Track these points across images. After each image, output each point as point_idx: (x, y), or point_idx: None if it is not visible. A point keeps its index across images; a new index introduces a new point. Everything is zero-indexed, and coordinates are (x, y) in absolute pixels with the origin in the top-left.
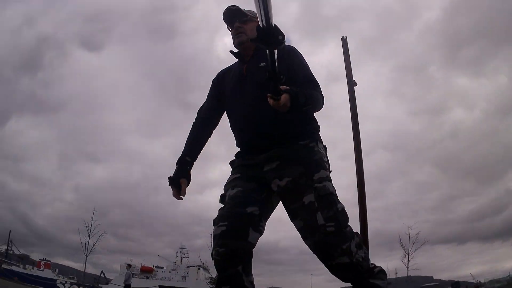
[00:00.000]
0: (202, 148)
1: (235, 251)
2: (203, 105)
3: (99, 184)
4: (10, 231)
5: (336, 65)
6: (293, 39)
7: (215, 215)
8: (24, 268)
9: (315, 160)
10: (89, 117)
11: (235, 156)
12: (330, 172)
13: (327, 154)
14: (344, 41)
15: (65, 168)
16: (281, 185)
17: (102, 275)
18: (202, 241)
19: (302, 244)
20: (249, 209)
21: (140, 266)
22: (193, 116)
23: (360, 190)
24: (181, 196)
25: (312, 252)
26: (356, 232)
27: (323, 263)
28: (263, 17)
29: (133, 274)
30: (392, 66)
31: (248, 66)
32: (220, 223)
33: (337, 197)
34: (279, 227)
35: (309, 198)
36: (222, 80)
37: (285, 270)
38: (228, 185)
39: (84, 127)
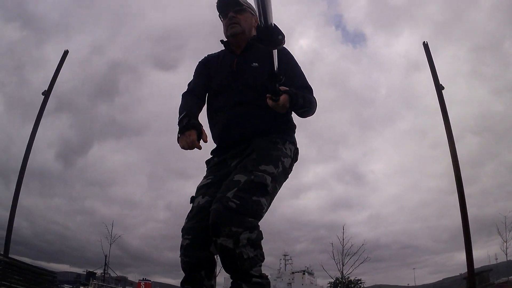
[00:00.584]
0: (198, 110)
1: (198, 260)
2: (192, 80)
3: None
4: (106, 255)
5: (413, 54)
6: (368, 32)
7: (313, 218)
8: None
9: (271, 154)
10: (173, 135)
11: (211, 154)
12: (286, 177)
13: (296, 158)
14: (426, 46)
15: (155, 188)
16: (236, 163)
17: None
18: (304, 246)
19: (403, 239)
20: None
21: None
22: None
23: (458, 182)
24: (201, 143)
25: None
26: (260, 231)
27: (211, 237)
28: (263, 17)
29: None
30: (468, 47)
31: (238, 61)
32: (186, 236)
33: (267, 193)
34: (378, 224)
35: (240, 177)
36: (209, 66)
37: (388, 266)
38: (200, 191)
39: (169, 145)
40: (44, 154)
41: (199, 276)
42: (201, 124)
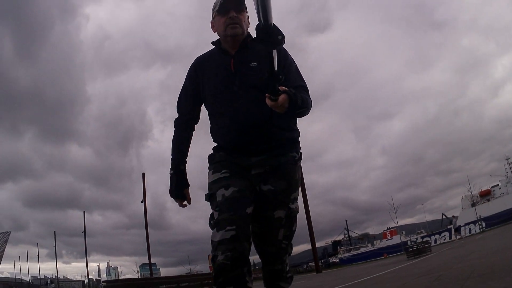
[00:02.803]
0: (188, 149)
1: (243, 253)
2: (180, 99)
3: (402, 136)
4: (346, 220)
5: None
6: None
7: None
8: (373, 245)
9: (296, 180)
10: (359, 85)
11: (214, 150)
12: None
13: (301, 161)
14: None
15: (363, 139)
16: (263, 190)
17: (444, 216)
18: None
19: None
20: (248, 210)
21: (478, 193)
22: None
23: None
24: (187, 204)
25: (258, 254)
26: (292, 244)
27: (263, 267)
28: (262, 16)
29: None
30: None
31: (235, 62)
32: (228, 227)
33: (296, 218)
34: None
35: (279, 213)
36: (201, 71)
37: None
38: (218, 184)
39: (361, 96)
40: None
41: (241, 274)
42: (187, 184)
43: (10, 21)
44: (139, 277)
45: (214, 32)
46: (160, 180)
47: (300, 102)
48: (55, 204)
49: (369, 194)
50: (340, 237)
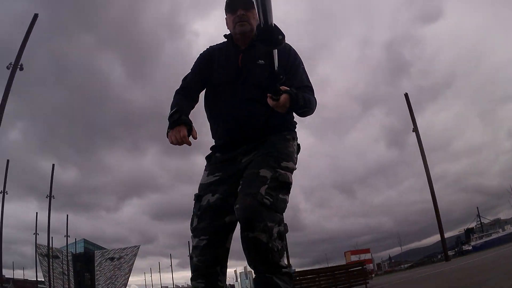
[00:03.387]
0: (189, 112)
1: (215, 257)
2: (188, 74)
3: None
4: (477, 207)
5: None
6: None
7: None
8: (503, 230)
9: (289, 151)
10: (479, 69)
11: (211, 150)
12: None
13: (299, 151)
14: None
15: (489, 123)
16: (248, 159)
17: None
18: None
19: None
20: (227, 219)
21: None
22: None
23: None
24: (188, 139)
25: (238, 218)
26: (286, 224)
27: (241, 233)
28: (263, 17)
29: None
30: None
31: (243, 57)
32: (202, 237)
33: (289, 191)
34: None
35: (265, 173)
36: (210, 59)
37: None
38: (208, 188)
39: (482, 80)
40: (376, 149)
41: (214, 271)
42: (191, 121)
43: (119, 48)
44: None
45: (228, 29)
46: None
47: (302, 102)
48: (183, 215)
49: (500, 178)
50: (473, 225)
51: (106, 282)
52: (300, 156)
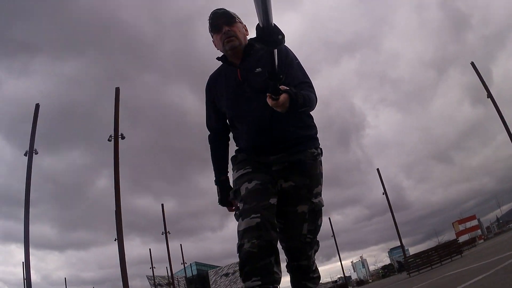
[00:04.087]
0: (227, 159)
1: (270, 242)
2: (207, 118)
3: None
4: None
5: None
6: None
7: None
8: None
9: (317, 174)
10: None
11: (235, 152)
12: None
13: (322, 155)
14: None
15: None
16: (284, 186)
17: None
18: None
19: None
20: (272, 201)
21: None
22: None
23: None
24: (235, 209)
25: (283, 250)
26: (318, 241)
27: (288, 262)
28: (263, 16)
29: None
30: None
31: (241, 71)
32: (253, 215)
33: (322, 212)
34: None
35: (303, 208)
36: (214, 88)
37: None
38: (242, 179)
39: None
40: (462, 110)
41: (268, 264)
42: (228, 188)
43: (183, 76)
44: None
45: (218, 50)
46: (390, 163)
47: (302, 101)
48: None
49: None
50: None
51: None
52: (391, 135)
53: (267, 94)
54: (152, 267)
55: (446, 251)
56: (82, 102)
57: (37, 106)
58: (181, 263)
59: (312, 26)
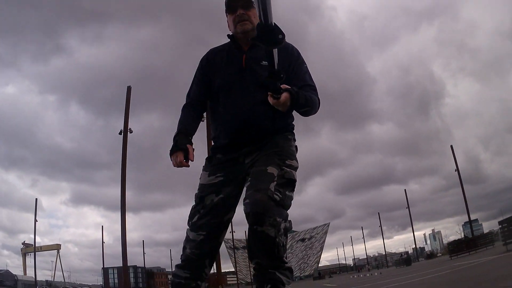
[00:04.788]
0: (195, 128)
1: (208, 251)
2: (191, 88)
3: None
4: None
5: None
6: None
7: None
8: None
9: (292, 150)
10: None
11: (212, 151)
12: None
13: (296, 153)
14: None
15: None
16: (254, 159)
17: None
18: None
19: None
20: (226, 217)
21: None
22: None
23: None
24: (189, 162)
25: (246, 213)
26: (290, 221)
27: (250, 227)
28: (263, 15)
29: None
30: None
31: (247, 58)
32: (200, 232)
33: (293, 188)
34: None
35: (272, 170)
36: (212, 63)
37: None
38: (210, 189)
39: None
40: None
41: (202, 264)
42: (191, 143)
43: None
44: (462, 237)
45: (230, 30)
46: (468, 134)
47: (303, 101)
48: (369, 185)
49: None
50: None
51: (298, 262)
52: (470, 105)
53: (268, 93)
54: (232, 231)
55: None
56: (158, 66)
57: (129, 88)
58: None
59: None
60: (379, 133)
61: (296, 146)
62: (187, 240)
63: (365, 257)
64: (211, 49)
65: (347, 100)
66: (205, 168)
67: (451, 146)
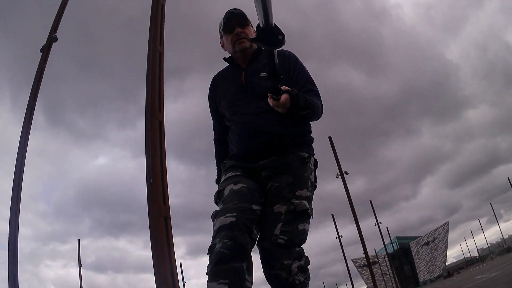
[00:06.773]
0: None
1: (243, 245)
2: (213, 122)
3: None
4: None
5: None
6: None
7: None
8: None
9: (304, 177)
10: None
11: (226, 160)
12: (315, 187)
13: (316, 169)
14: None
15: None
16: (269, 187)
17: None
18: None
19: None
20: (254, 207)
21: None
22: None
23: None
24: None
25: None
26: (306, 257)
27: (263, 269)
28: (263, 17)
29: None
30: None
31: (246, 74)
32: (228, 214)
33: (309, 217)
34: None
35: (280, 208)
36: (216, 90)
37: None
38: (228, 181)
39: None
40: None
41: (240, 268)
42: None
43: (343, 58)
44: None
45: (225, 50)
46: None
47: (303, 103)
48: (478, 171)
49: None
50: None
51: (426, 266)
52: None
53: (268, 94)
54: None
55: None
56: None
57: None
58: (382, 241)
59: None
60: (475, 117)
61: (315, 161)
62: (214, 235)
63: (487, 246)
64: (214, 76)
65: (437, 93)
66: (222, 172)
67: None
